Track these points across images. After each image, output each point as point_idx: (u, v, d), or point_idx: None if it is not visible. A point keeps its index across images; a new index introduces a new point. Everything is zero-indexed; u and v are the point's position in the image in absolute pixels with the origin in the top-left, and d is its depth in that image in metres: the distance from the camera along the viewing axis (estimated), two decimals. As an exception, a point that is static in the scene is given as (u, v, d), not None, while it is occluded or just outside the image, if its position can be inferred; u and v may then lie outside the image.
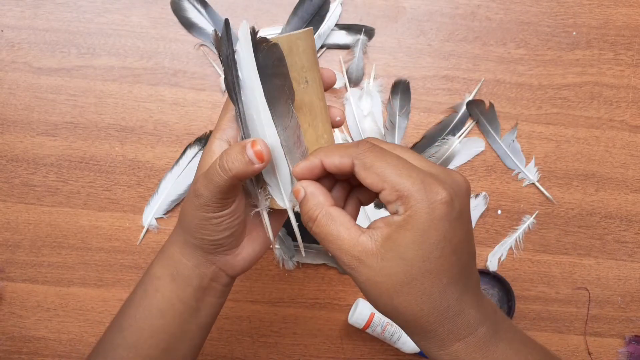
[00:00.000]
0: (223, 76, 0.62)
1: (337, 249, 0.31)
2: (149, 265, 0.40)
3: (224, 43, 0.33)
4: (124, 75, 0.62)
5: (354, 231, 0.30)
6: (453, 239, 0.29)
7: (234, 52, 0.33)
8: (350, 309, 0.62)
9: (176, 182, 0.61)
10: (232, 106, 0.36)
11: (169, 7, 0.62)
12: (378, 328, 0.60)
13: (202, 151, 0.61)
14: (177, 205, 0.62)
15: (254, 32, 0.33)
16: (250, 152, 0.33)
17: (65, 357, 0.62)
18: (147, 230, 0.62)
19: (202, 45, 0.62)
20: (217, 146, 0.36)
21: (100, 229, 0.62)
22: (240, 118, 0.34)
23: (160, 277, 0.38)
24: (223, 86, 0.62)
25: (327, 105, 0.37)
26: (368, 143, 0.31)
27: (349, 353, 0.63)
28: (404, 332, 0.61)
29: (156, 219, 0.62)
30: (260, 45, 0.33)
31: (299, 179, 0.33)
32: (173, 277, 0.38)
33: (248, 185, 0.37)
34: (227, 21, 0.33)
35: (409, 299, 0.29)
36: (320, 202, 0.32)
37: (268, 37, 0.33)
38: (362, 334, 0.63)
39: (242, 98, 0.34)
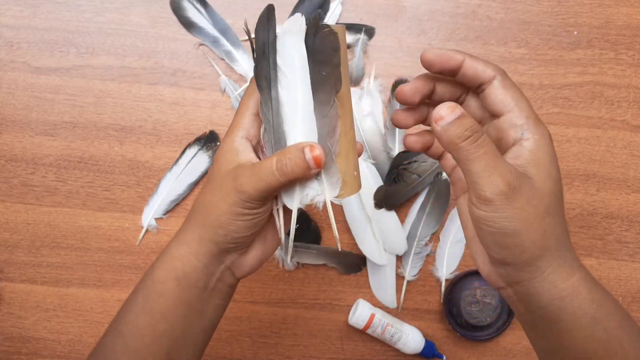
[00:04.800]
0: (222, 76, 0.61)
1: (490, 169, 0.30)
2: (148, 269, 0.39)
3: (263, 28, 0.33)
4: (123, 74, 0.62)
5: (500, 161, 0.31)
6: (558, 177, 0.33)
7: (275, 37, 0.33)
8: (350, 309, 0.62)
9: (175, 182, 0.61)
10: (251, 103, 0.35)
11: (169, 6, 0.62)
12: (378, 329, 0.59)
13: (201, 151, 0.61)
14: (177, 205, 0.62)
15: (317, 17, 0.33)
16: (309, 156, 0.32)
17: (65, 357, 0.62)
18: (147, 231, 0.62)
19: (201, 44, 0.62)
20: (240, 144, 0.35)
21: (100, 229, 0.62)
22: (272, 107, 0.33)
23: (164, 282, 0.37)
24: (222, 86, 0.61)
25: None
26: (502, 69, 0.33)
27: (349, 354, 0.63)
28: (404, 333, 0.60)
29: (155, 219, 0.62)
30: (321, 30, 0.32)
31: (426, 63, 0.33)
32: (178, 280, 0.37)
33: None
34: (271, 6, 0.33)
35: (547, 227, 0.31)
36: (475, 123, 0.31)
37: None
38: (362, 335, 0.63)
39: (277, 85, 0.33)
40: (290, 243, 0.36)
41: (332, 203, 0.34)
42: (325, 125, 0.33)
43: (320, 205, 0.34)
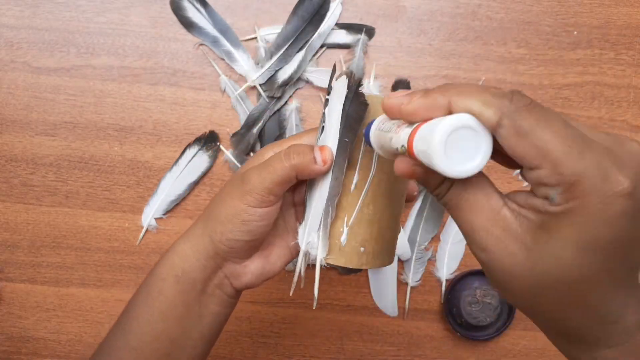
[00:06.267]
0: (222, 76, 0.61)
1: (468, 222, 0.25)
2: (153, 266, 0.40)
3: (329, 86, 0.36)
4: (123, 74, 0.62)
5: (495, 200, 0.24)
6: (627, 236, 0.22)
7: (328, 94, 0.36)
8: (350, 309, 0.62)
9: (175, 182, 0.61)
10: (305, 137, 0.38)
11: (169, 6, 0.62)
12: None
13: (201, 151, 0.61)
14: (177, 205, 0.62)
15: (356, 84, 0.34)
16: (317, 152, 0.34)
17: (64, 357, 0.62)
18: (147, 231, 0.62)
19: (201, 44, 0.62)
20: (269, 155, 0.37)
21: (100, 229, 0.62)
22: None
23: (164, 279, 0.38)
24: (222, 86, 0.61)
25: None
26: (525, 97, 0.23)
27: (349, 354, 0.63)
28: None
29: (155, 219, 0.62)
30: (356, 98, 0.34)
31: (405, 116, 0.26)
32: (177, 278, 0.37)
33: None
34: (334, 66, 0.38)
35: (556, 301, 0.24)
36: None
37: (365, 92, 0.35)
38: (362, 335, 0.63)
39: (322, 134, 0.36)
40: (316, 292, 0.38)
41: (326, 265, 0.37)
42: (334, 187, 0.35)
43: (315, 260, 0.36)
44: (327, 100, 0.36)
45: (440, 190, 0.26)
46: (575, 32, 0.63)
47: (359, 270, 0.62)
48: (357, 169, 0.36)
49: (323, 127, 0.36)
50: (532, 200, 0.23)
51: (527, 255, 0.23)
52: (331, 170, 0.35)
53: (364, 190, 0.36)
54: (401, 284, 0.62)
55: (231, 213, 0.35)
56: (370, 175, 0.36)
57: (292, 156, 0.34)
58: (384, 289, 0.62)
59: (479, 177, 0.25)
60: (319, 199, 0.35)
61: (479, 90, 0.23)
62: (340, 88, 0.35)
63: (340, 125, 0.34)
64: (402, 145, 0.26)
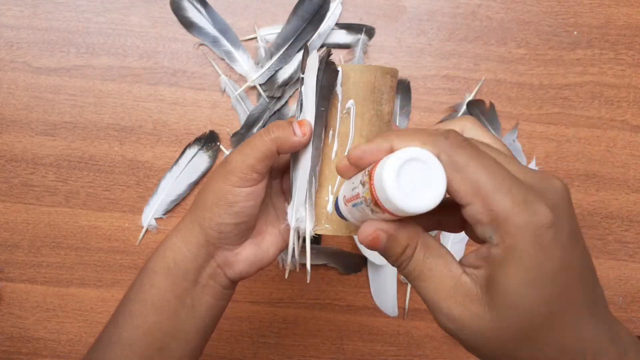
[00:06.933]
0: (222, 76, 0.62)
1: (432, 292, 0.25)
2: (146, 261, 0.40)
3: (303, 61, 0.37)
4: (123, 74, 0.62)
5: (454, 268, 0.25)
6: (572, 264, 0.23)
7: (303, 73, 0.37)
8: (350, 309, 0.62)
9: (175, 182, 0.61)
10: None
11: (169, 6, 0.62)
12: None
13: (201, 151, 0.61)
14: (177, 205, 0.62)
15: (326, 55, 0.35)
16: (295, 125, 0.35)
17: (64, 357, 0.62)
18: (147, 231, 0.62)
19: (201, 44, 0.62)
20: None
21: (100, 229, 0.62)
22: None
23: (156, 272, 0.38)
24: (222, 86, 0.61)
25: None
26: (459, 136, 0.24)
27: (349, 354, 0.63)
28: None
29: (155, 219, 0.62)
30: (328, 67, 0.35)
31: (353, 163, 0.26)
32: (169, 270, 0.37)
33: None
34: (305, 46, 0.39)
35: (532, 352, 0.23)
36: (413, 231, 0.26)
37: (337, 63, 0.36)
38: (362, 335, 0.63)
39: (301, 113, 0.37)
40: (308, 269, 0.38)
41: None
42: (315, 157, 0.35)
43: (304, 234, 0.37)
44: (301, 78, 0.37)
45: (403, 260, 0.26)
46: (575, 32, 0.63)
47: (359, 269, 0.62)
48: (335, 137, 0.36)
49: (301, 104, 0.36)
50: (479, 252, 0.24)
51: (491, 314, 0.23)
52: (311, 141, 0.35)
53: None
54: (401, 284, 0.62)
55: (217, 197, 0.36)
56: (349, 141, 0.36)
57: (272, 130, 0.35)
58: (384, 289, 0.62)
59: (438, 246, 0.26)
60: (302, 172, 0.36)
61: (418, 132, 0.24)
62: (313, 63, 0.35)
63: (315, 96, 0.35)
64: (367, 196, 0.25)
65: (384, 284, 0.62)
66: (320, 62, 0.35)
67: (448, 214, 0.28)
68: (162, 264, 0.38)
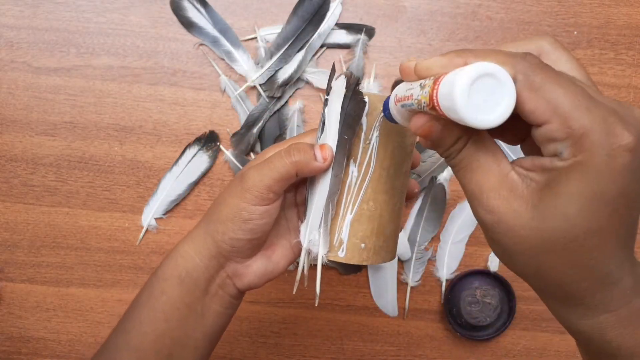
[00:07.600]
0: (222, 76, 0.61)
1: (475, 184, 0.25)
2: (156, 268, 0.40)
3: (328, 87, 0.37)
4: (123, 74, 0.62)
5: (504, 164, 0.25)
6: (631, 193, 0.23)
7: (328, 94, 0.36)
8: (350, 309, 0.62)
9: (175, 182, 0.61)
10: (307, 138, 0.38)
11: (169, 6, 0.62)
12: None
13: (201, 151, 0.61)
14: (177, 205, 0.62)
15: (354, 83, 0.35)
16: (317, 149, 0.35)
17: (64, 357, 0.62)
18: (147, 231, 0.62)
19: (201, 44, 0.62)
20: (271, 153, 0.38)
21: (100, 229, 0.62)
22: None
23: (167, 280, 0.38)
24: (222, 86, 0.61)
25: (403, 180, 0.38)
26: (536, 58, 0.23)
27: (349, 354, 0.63)
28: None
29: (155, 219, 0.62)
30: (355, 96, 0.35)
31: (419, 72, 0.26)
32: (181, 279, 0.37)
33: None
34: (333, 67, 0.38)
35: (559, 261, 0.24)
36: (466, 127, 0.25)
37: (363, 91, 0.36)
38: (362, 335, 0.63)
39: (323, 134, 0.36)
40: (318, 289, 0.38)
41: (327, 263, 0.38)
42: (334, 185, 0.35)
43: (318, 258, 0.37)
44: (326, 100, 0.36)
45: (453, 150, 0.26)
46: (575, 32, 0.63)
47: (360, 269, 0.62)
48: (356, 166, 0.36)
49: (323, 126, 0.36)
50: (539, 161, 0.24)
51: (533, 214, 0.23)
52: (331, 167, 0.35)
53: (364, 186, 0.36)
54: (401, 284, 0.62)
55: (232, 212, 0.35)
56: (370, 171, 0.36)
57: (293, 153, 0.34)
58: (384, 289, 0.62)
59: (491, 142, 0.26)
60: (319, 196, 0.36)
61: (495, 51, 0.24)
62: (340, 87, 0.35)
63: (339, 123, 0.35)
64: (424, 99, 0.25)
65: (384, 284, 0.62)
66: (347, 89, 0.35)
67: (504, 133, 0.28)
68: (174, 272, 0.38)
